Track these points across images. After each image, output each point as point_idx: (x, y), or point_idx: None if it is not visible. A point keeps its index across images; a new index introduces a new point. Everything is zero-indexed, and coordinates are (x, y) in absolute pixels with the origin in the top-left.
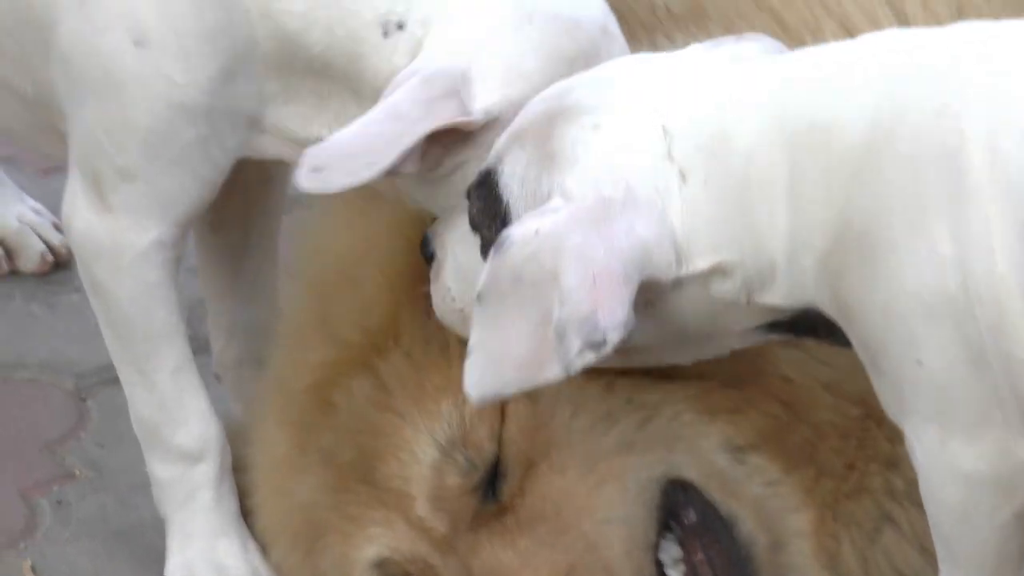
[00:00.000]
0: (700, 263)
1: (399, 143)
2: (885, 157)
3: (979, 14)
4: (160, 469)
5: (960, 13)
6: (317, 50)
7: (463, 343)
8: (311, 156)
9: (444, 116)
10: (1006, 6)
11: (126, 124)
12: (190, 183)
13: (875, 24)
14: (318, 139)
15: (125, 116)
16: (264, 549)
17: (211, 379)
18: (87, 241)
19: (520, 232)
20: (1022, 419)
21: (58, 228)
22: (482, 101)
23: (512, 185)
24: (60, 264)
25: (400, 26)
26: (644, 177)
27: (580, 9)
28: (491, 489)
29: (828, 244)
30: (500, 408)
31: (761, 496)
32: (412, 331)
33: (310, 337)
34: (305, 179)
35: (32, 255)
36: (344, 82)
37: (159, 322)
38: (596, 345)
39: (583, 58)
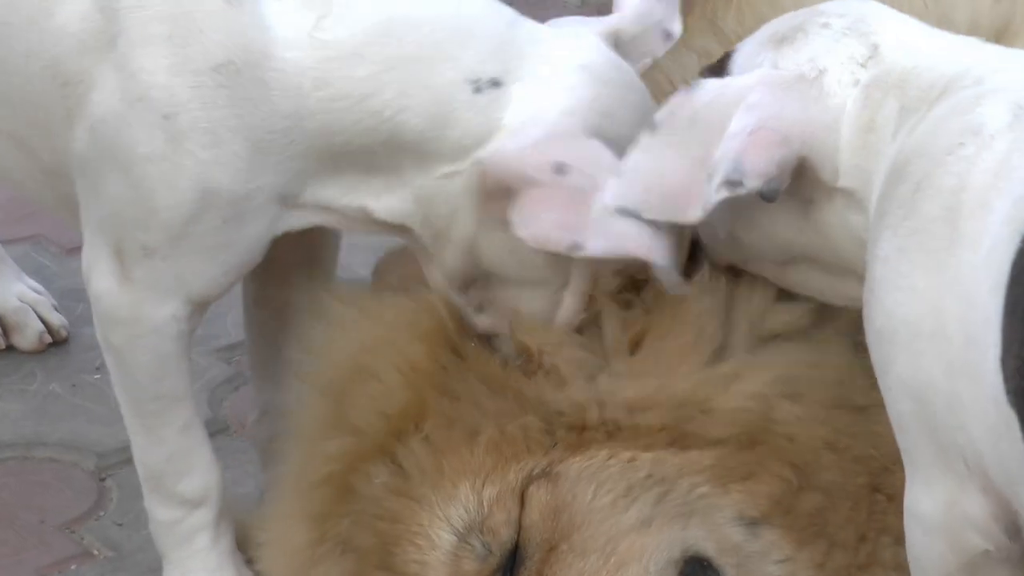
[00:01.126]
0: (848, 182)
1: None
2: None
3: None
4: (161, 512)
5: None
6: (387, 114)
7: (493, 425)
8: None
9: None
10: None
11: (150, 201)
12: (208, 266)
13: None
14: (360, 208)
15: (148, 193)
16: None
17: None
18: (105, 305)
19: (714, 81)
20: (968, 471)
21: (57, 309)
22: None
23: (738, 60)
24: (57, 343)
25: (496, 83)
26: (839, 75)
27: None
28: (510, 575)
29: None
30: (520, 493)
31: (776, 574)
32: (435, 415)
33: (327, 431)
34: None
35: (30, 334)
36: (412, 144)
37: (169, 387)
38: (733, 184)
39: (644, 110)
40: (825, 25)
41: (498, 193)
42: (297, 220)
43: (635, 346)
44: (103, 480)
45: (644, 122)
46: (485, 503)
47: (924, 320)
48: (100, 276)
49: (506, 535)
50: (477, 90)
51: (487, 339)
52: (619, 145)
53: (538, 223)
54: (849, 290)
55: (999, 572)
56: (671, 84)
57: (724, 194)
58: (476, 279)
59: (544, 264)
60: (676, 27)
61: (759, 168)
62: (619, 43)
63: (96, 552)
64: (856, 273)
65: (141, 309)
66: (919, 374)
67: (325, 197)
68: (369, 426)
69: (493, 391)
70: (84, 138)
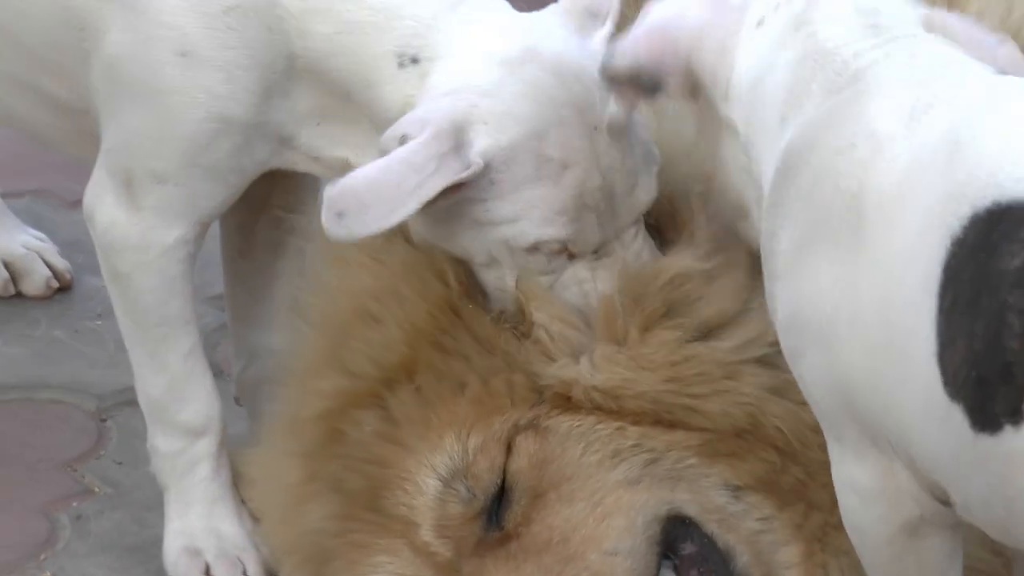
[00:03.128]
0: (733, 111)
1: (417, 195)
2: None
3: None
4: (164, 443)
5: None
6: (337, 74)
7: (478, 380)
8: (332, 201)
9: (453, 172)
10: None
11: (165, 131)
12: (219, 188)
13: None
14: (344, 160)
15: (165, 123)
16: (273, 569)
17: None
18: (111, 235)
19: None
20: (893, 450)
21: (61, 255)
22: (479, 146)
23: None
24: (63, 288)
25: (415, 60)
26: (761, 12)
27: (577, 59)
28: (495, 517)
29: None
30: (506, 442)
31: (756, 531)
32: (427, 369)
33: (322, 369)
34: (330, 225)
35: (38, 279)
36: (364, 109)
37: (176, 311)
38: (605, 67)
39: (576, 105)
40: None
41: None
42: (293, 161)
43: (624, 337)
44: (103, 421)
45: (565, 115)
46: (470, 451)
47: (839, 309)
48: (106, 207)
49: (489, 480)
50: (401, 65)
51: (484, 301)
52: (511, 120)
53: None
54: (747, 231)
55: (936, 534)
56: None
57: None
58: (434, 247)
59: (457, 239)
60: (606, 25)
61: (627, 50)
62: (569, 15)
63: (96, 489)
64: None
65: (151, 235)
66: (836, 362)
67: (315, 147)
68: (363, 371)
69: (484, 350)
70: (102, 76)
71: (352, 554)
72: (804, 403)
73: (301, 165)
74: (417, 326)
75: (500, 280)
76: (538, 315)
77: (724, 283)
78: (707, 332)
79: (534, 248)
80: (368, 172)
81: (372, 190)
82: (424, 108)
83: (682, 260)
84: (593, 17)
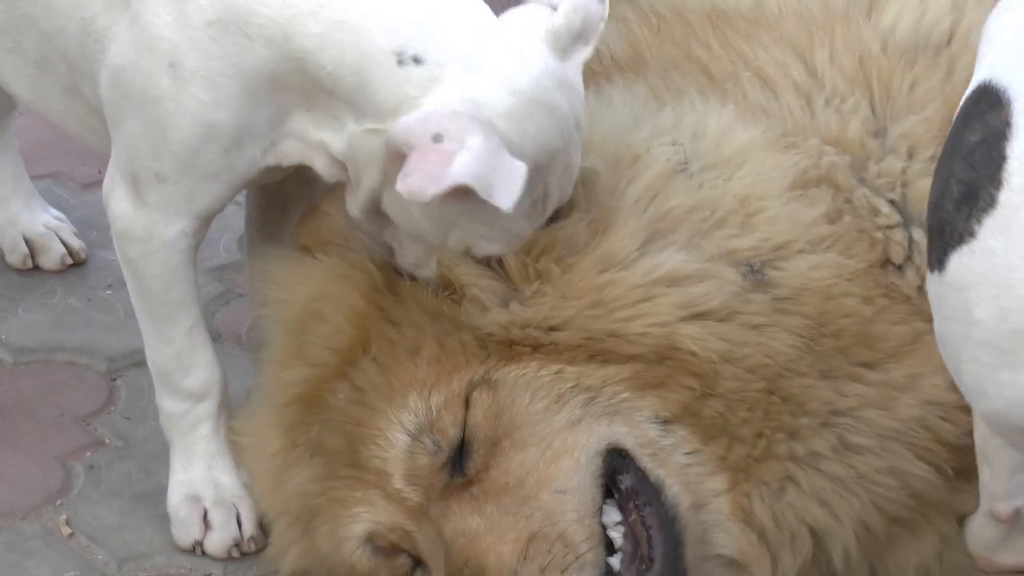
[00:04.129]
0: None
1: (444, 183)
2: None
3: (879, 68)
4: (169, 404)
5: (862, 65)
6: (329, 69)
7: (433, 342)
8: (475, 178)
9: (488, 178)
10: (901, 60)
11: (161, 136)
12: (214, 187)
13: (787, 75)
14: (321, 143)
15: (160, 129)
16: (264, 529)
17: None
18: (121, 224)
19: None
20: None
21: (76, 235)
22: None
23: None
24: (77, 264)
25: (417, 60)
26: None
27: (563, 97)
28: (458, 465)
29: None
30: (464, 398)
31: (684, 463)
32: (379, 340)
33: (289, 361)
34: (407, 189)
35: (54, 255)
36: (348, 99)
37: (178, 293)
38: None
39: (563, 145)
40: None
41: (396, 157)
42: (287, 151)
43: (538, 275)
44: (114, 380)
45: (551, 140)
46: (433, 408)
47: None
48: (118, 200)
49: (453, 434)
50: (400, 63)
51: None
52: (518, 149)
53: (409, 178)
54: None
55: None
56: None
57: None
58: (378, 220)
59: (426, 225)
60: (593, 39)
61: None
62: (559, 38)
63: (108, 441)
64: None
65: (154, 228)
66: None
67: (300, 129)
68: (323, 360)
69: (430, 316)
70: (108, 84)
71: (334, 508)
72: (713, 334)
73: (295, 155)
74: (356, 310)
75: (428, 255)
76: (465, 276)
77: (613, 231)
78: (616, 263)
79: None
80: (478, 156)
81: (492, 168)
82: (449, 109)
83: (562, 227)
84: (577, 39)
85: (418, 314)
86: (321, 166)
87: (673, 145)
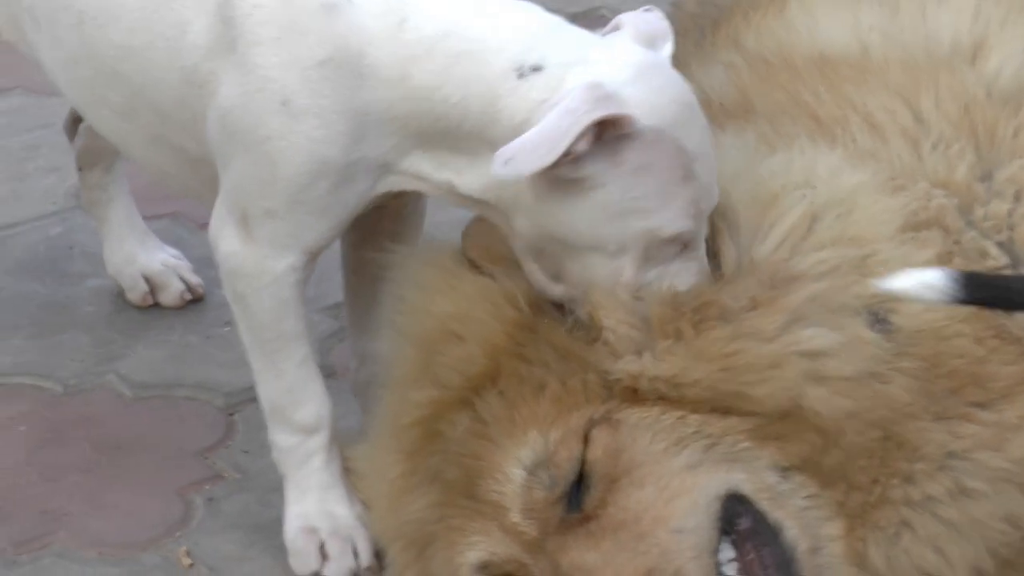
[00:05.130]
0: None
1: (572, 130)
2: None
3: (984, 114)
4: (282, 439)
5: (967, 112)
6: (452, 102)
7: (557, 381)
8: (502, 153)
9: (606, 108)
10: (1006, 106)
11: (271, 174)
12: (323, 221)
13: (895, 120)
14: (448, 183)
15: (270, 167)
16: (380, 558)
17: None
18: (231, 262)
19: None
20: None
21: (194, 271)
22: (638, 118)
23: None
24: (196, 300)
25: (536, 69)
26: None
27: (677, 72)
28: (576, 500)
29: None
30: (583, 435)
31: (802, 507)
32: (509, 374)
33: (416, 380)
34: (500, 168)
35: (173, 292)
36: (478, 128)
37: (290, 327)
38: None
39: (692, 105)
40: None
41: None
42: (397, 184)
43: (678, 334)
44: (231, 415)
45: (681, 111)
46: (551, 444)
47: None
48: (227, 239)
49: (569, 468)
50: (521, 76)
51: (559, 310)
52: (655, 113)
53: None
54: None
55: None
56: (704, 93)
57: None
58: (546, 248)
59: (595, 228)
60: (668, 46)
61: None
62: (639, 38)
63: (226, 475)
64: None
65: (264, 263)
66: None
67: (420, 170)
68: (451, 382)
69: (560, 355)
70: (216, 127)
71: (450, 536)
72: (838, 392)
73: (408, 185)
74: (494, 342)
75: (590, 271)
76: (606, 320)
77: (768, 310)
78: (756, 338)
79: (671, 239)
80: (533, 129)
81: (536, 134)
82: (576, 90)
83: (722, 289)
84: (654, 41)
85: (548, 352)
86: (447, 199)
87: (798, 190)
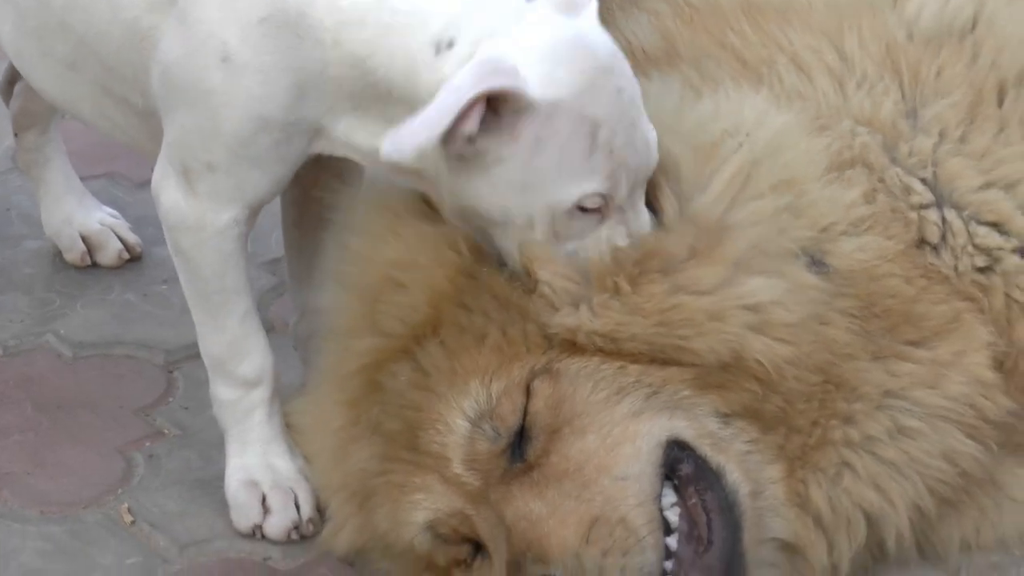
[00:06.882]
0: None
1: (453, 108)
2: None
3: (907, 55)
4: (224, 392)
5: (889, 52)
6: (380, 73)
7: (497, 330)
8: (391, 134)
9: (497, 82)
10: (927, 47)
11: (212, 128)
12: (263, 177)
13: (821, 59)
14: (376, 150)
15: (212, 121)
16: (321, 503)
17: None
18: (173, 216)
19: None
20: None
21: (132, 230)
22: (531, 91)
23: None
24: (134, 259)
25: (450, 45)
26: None
27: (595, 39)
28: (519, 451)
29: None
30: (525, 386)
31: (743, 452)
32: (450, 324)
33: (358, 329)
34: (387, 148)
35: (111, 252)
36: (404, 99)
37: (231, 281)
38: None
39: (603, 69)
40: None
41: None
42: (333, 148)
43: (616, 288)
44: (171, 372)
45: (596, 79)
46: (493, 395)
47: None
48: (169, 192)
49: (513, 421)
50: (438, 51)
51: (498, 263)
52: (551, 89)
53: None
54: None
55: None
56: (627, 41)
57: None
58: (469, 219)
59: (502, 202)
60: (591, 7)
61: None
62: (558, 5)
63: (166, 432)
64: None
65: (205, 216)
66: None
67: (354, 139)
68: (393, 331)
69: (500, 304)
70: (158, 81)
71: (392, 492)
72: (781, 339)
73: (339, 151)
74: (436, 289)
75: (508, 241)
76: (541, 273)
77: (709, 259)
78: (694, 290)
79: (576, 209)
80: (477, 71)
81: (422, 114)
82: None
83: (662, 240)
84: (574, 5)
85: (489, 301)
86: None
87: (734, 138)
